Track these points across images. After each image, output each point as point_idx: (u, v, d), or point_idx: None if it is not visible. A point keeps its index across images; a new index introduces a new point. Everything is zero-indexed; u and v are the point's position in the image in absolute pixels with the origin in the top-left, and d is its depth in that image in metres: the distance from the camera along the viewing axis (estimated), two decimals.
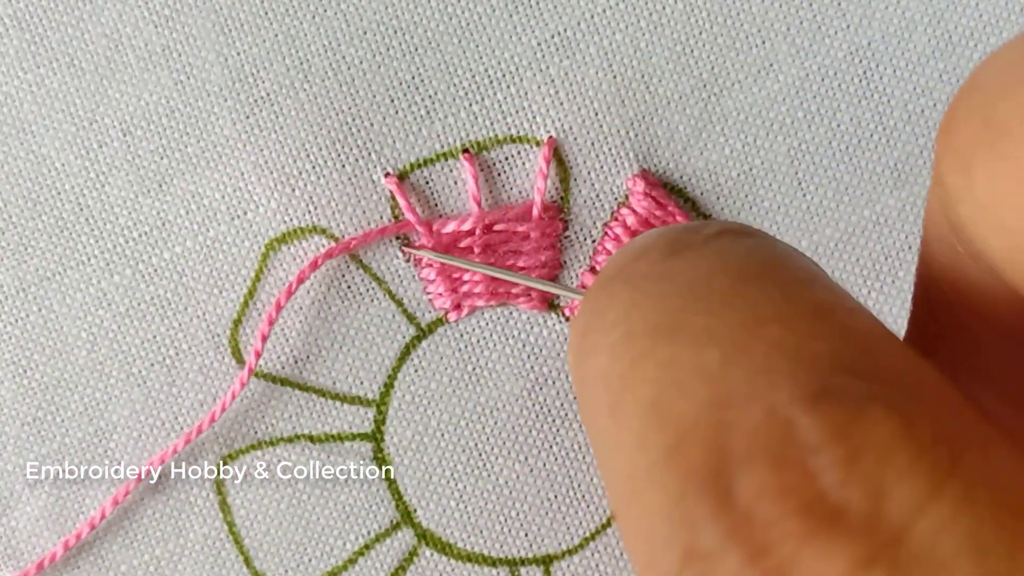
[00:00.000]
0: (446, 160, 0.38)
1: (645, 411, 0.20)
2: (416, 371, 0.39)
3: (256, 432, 0.39)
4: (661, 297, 0.21)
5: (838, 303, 0.20)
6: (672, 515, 0.18)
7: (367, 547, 0.39)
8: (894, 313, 0.40)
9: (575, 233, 0.39)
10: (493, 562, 0.40)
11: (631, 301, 0.22)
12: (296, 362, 0.39)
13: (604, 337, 0.22)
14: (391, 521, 0.39)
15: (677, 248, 0.23)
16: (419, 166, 0.38)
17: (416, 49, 0.38)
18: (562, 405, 0.39)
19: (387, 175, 0.38)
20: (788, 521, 0.17)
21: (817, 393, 0.18)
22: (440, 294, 0.39)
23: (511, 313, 0.39)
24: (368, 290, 0.39)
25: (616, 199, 0.39)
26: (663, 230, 0.24)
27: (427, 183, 0.38)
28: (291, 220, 0.38)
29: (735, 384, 0.19)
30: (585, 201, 0.39)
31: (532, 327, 0.39)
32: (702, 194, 0.39)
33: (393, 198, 0.38)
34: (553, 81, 0.38)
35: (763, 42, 0.38)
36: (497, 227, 0.38)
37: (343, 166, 0.38)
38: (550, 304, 0.39)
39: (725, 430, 0.18)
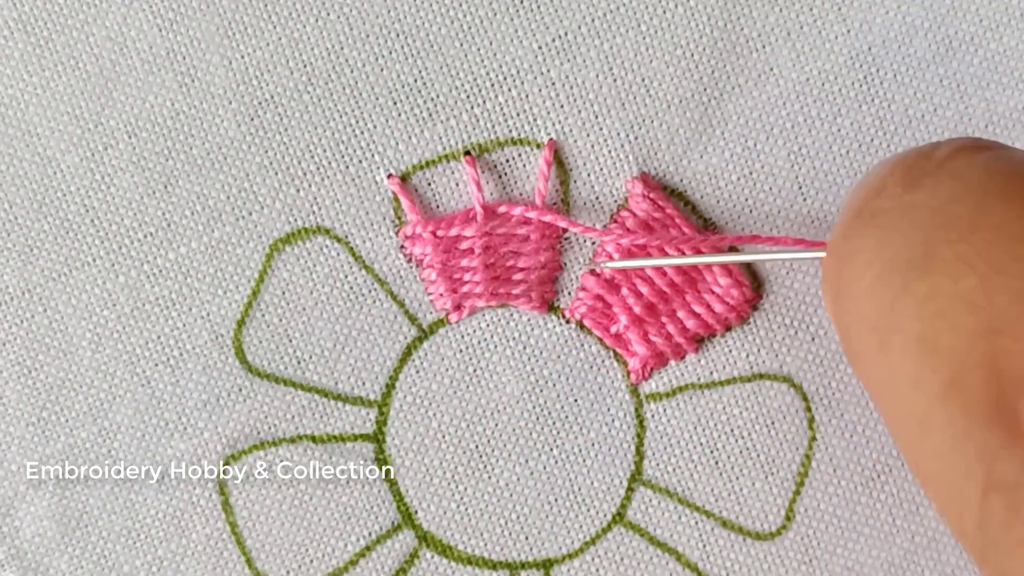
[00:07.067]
0: (448, 162, 0.38)
1: (915, 349, 0.20)
2: (417, 372, 0.39)
3: (258, 433, 0.39)
4: (908, 231, 0.21)
5: None
6: (963, 449, 0.19)
7: (368, 548, 0.39)
8: None
9: (575, 235, 0.39)
10: (493, 565, 0.40)
11: (879, 241, 0.22)
12: (298, 363, 0.39)
13: (859, 280, 0.22)
14: (392, 523, 0.40)
15: (914, 178, 0.23)
16: (421, 167, 0.38)
17: (418, 52, 0.38)
18: (563, 407, 0.39)
19: (390, 176, 0.38)
20: None
21: None
22: (441, 295, 0.39)
23: (511, 314, 0.39)
24: (370, 291, 0.39)
25: (616, 201, 0.39)
26: (895, 159, 0.24)
27: (429, 184, 0.39)
28: (295, 221, 0.38)
29: (1001, 309, 0.19)
30: (585, 203, 0.39)
31: (532, 328, 0.39)
32: (702, 198, 0.39)
33: (396, 199, 0.38)
34: (554, 84, 0.38)
35: (764, 46, 0.38)
36: (498, 229, 0.39)
37: (346, 167, 0.38)
38: (550, 306, 0.39)
39: (1001, 357, 0.18)
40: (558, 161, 0.38)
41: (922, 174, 0.23)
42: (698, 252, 0.38)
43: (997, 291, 0.19)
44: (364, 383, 0.39)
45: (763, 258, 0.38)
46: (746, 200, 0.39)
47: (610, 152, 0.38)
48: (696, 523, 0.40)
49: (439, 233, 0.38)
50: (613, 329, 0.39)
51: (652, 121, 0.38)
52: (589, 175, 0.39)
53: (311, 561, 0.39)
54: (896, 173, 0.23)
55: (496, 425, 0.39)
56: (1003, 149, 0.23)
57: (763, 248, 0.38)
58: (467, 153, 0.38)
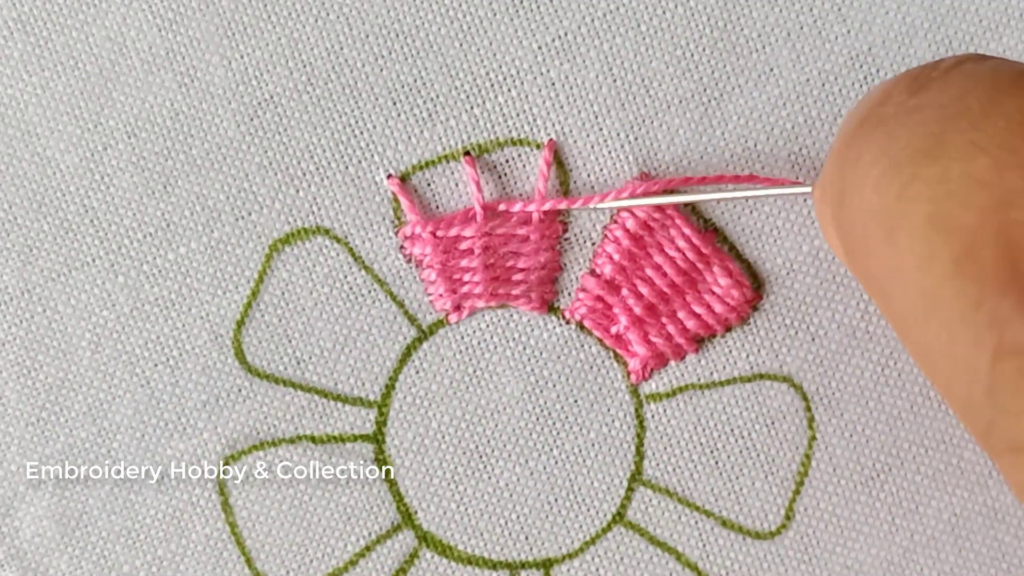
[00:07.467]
0: (447, 162, 0.38)
1: (925, 229, 0.20)
2: (417, 372, 0.39)
3: (258, 433, 0.39)
4: (917, 126, 0.22)
5: None
6: (974, 319, 0.19)
7: (368, 548, 0.40)
8: None
9: (575, 235, 0.39)
10: (493, 565, 0.40)
11: (887, 137, 0.22)
12: (298, 363, 0.39)
13: (865, 176, 0.22)
14: (392, 523, 0.40)
15: (920, 83, 0.23)
16: (421, 168, 0.38)
17: (418, 52, 0.38)
18: (563, 408, 0.39)
19: (389, 176, 0.38)
20: None
21: None
22: (441, 295, 0.39)
23: (511, 315, 0.39)
24: (370, 292, 0.39)
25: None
26: (899, 75, 0.24)
27: (428, 185, 0.39)
28: (294, 221, 0.38)
29: (1013, 184, 0.19)
30: None
31: (532, 329, 0.39)
32: None
33: (395, 199, 0.38)
34: (553, 84, 0.38)
35: (764, 47, 0.38)
36: (498, 229, 0.39)
37: (346, 168, 0.38)
38: (550, 306, 0.39)
39: (1014, 229, 0.19)
40: (558, 161, 0.38)
41: (928, 80, 0.23)
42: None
43: (1009, 168, 0.19)
44: (364, 383, 0.39)
45: (756, 194, 0.37)
46: (746, 201, 0.39)
47: (610, 152, 0.38)
48: (696, 523, 0.40)
49: (439, 233, 0.38)
50: (613, 330, 0.39)
51: (652, 121, 0.38)
52: (589, 175, 0.39)
53: (311, 561, 0.39)
54: (901, 83, 0.24)
55: (496, 425, 0.39)
56: (1005, 60, 0.24)
57: (755, 187, 0.37)
58: (467, 153, 0.38)
